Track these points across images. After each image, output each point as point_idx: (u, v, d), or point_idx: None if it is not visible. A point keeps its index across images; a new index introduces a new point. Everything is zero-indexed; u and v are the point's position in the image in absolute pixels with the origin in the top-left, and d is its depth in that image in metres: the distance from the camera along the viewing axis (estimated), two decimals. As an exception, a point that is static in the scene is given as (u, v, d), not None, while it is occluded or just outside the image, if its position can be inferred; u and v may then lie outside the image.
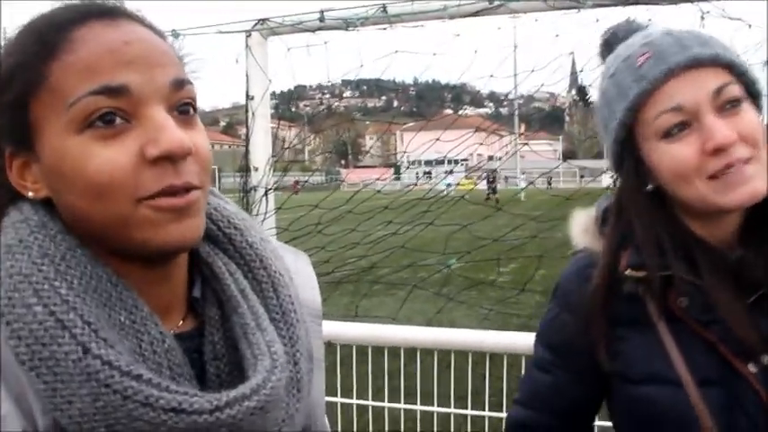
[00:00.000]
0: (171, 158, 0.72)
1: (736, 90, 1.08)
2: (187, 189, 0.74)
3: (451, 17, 2.88)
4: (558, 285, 1.30)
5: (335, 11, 3.01)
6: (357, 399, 2.99)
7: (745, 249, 1.12)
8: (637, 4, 2.71)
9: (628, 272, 1.15)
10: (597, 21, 2.75)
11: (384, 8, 2.89)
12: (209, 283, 0.85)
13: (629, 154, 1.17)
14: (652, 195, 1.16)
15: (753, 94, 1.13)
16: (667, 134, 1.09)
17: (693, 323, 1.11)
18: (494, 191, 26.38)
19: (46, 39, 0.73)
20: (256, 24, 3.04)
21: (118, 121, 0.71)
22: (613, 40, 1.23)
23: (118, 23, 0.75)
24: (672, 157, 1.09)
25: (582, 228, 1.27)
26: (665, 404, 1.11)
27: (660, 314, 1.13)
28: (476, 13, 2.88)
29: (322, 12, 2.91)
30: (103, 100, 0.71)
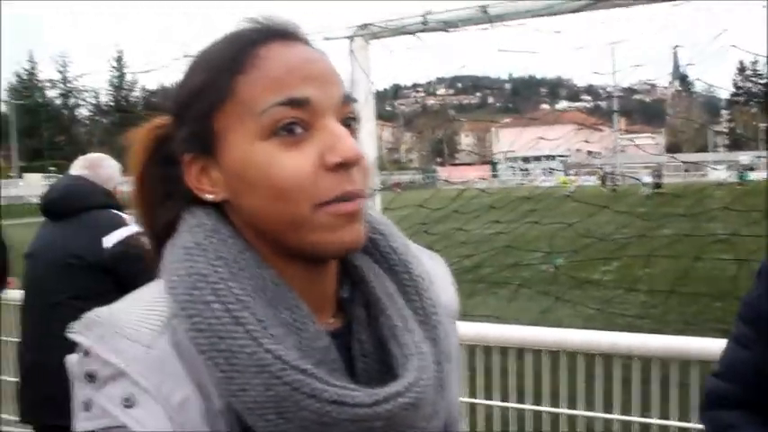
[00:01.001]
0: (346, 165, 0.78)
1: None
2: (358, 195, 0.80)
3: (555, 14, 2.86)
4: (762, 266, 1.38)
5: (438, 13, 3.03)
6: (468, 398, 3.01)
7: None
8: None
9: None
10: (700, 11, 2.66)
11: (485, 9, 2.89)
12: (357, 284, 0.91)
13: None
14: None
15: None
16: None
17: None
18: (657, 185, 25.79)
19: (234, 57, 0.81)
20: (358, 29, 3.10)
21: (299, 130, 0.78)
22: None
23: (294, 44, 0.82)
24: None
25: None
26: None
27: None
28: (579, 9, 2.84)
29: (425, 15, 2.94)
30: (288, 111, 0.78)
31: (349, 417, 0.73)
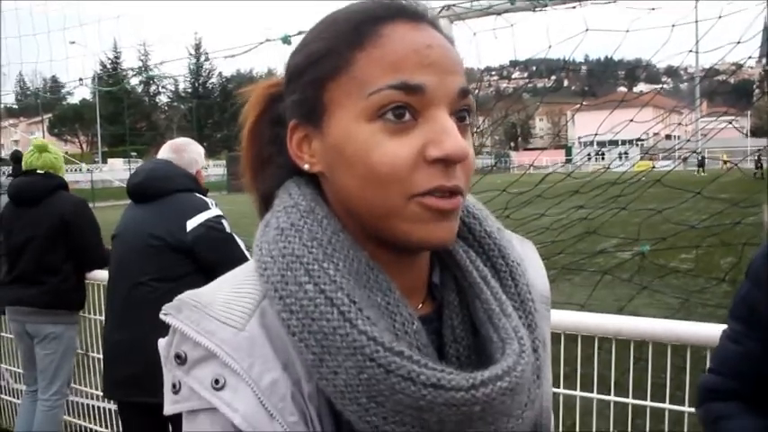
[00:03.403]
0: (447, 162, 0.75)
1: None
2: (453, 192, 0.76)
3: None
4: (750, 264, 1.46)
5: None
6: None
7: None
8: None
9: None
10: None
11: (573, -14, 2.80)
12: (450, 269, 0.88)
13: None
14: None
15: None
16: None
17: None
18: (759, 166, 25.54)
19: (356, 30, 0.78)
20: (442, 10, 3.04)
21: (407, 116, 0.75)
22: None
23: (421, 26, 0.79)
24: None
25: None
26: None
27: None
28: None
29: (513, -7, 2.87)
30: (399, 95, 0.74)
31: (445, 401, 0.70)
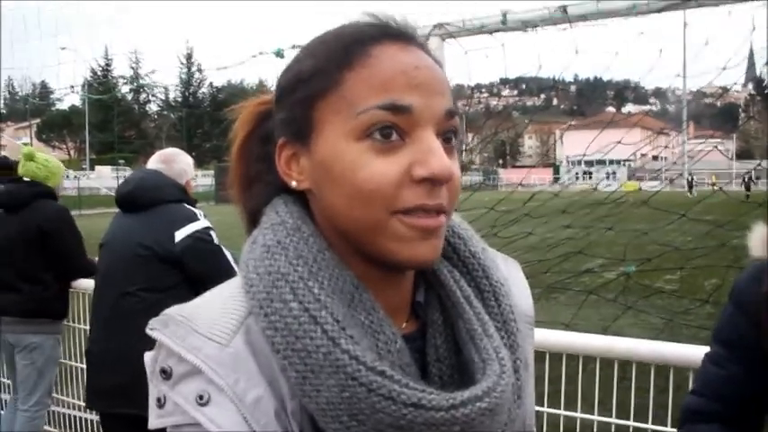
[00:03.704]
0: (433, 181, 0.76)
1: None
2: (438, 212, 0.78)
3: (638, 14, 2.78)
4: (733, 288, 1.48)
5: (517, 14, 2.98)
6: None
7: None
8: None
9: None
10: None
11: (564, 9, 2.84)
12: (434, 288, 0.89)
13: None
14: None
15: None
16: None
17: None
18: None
19: (346, 50, 0.80)
20: (434, 28, 3.07)
21: (394, 136, 0.76)
22: None
23: (410, 48, 0.80)
24: None
25: (760, 239, 1.45)
26: None
27: None
28: (663, 9, 2.76)
29: (504, 14, 2.90)
30: (387, 115, 0.76)
31: (425, 420, 0.71)
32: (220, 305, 0.80)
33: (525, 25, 2.93)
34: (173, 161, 3.34)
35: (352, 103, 0.77)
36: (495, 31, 3.02)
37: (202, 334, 0.76)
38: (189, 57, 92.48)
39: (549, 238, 3.85)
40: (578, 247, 3.85)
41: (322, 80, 0.80)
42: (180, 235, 3.03)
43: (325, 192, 0.80)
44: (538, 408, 2.91)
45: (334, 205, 0.80)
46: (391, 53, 0.79)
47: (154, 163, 3.34)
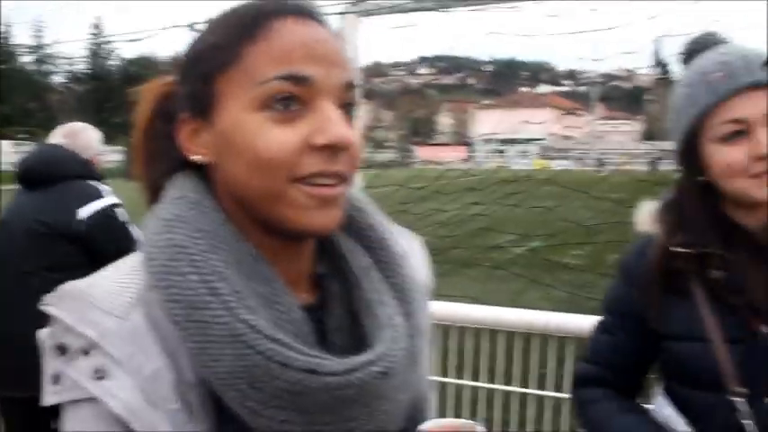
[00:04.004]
0: (332, 148, 0.79)
1: None
2: (337, 180, 0.80)
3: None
4: (621, 262, 1.58)
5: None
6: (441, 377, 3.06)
7: None
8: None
9: (677, 249, 1.40)
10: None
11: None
12: (334, 260, 0.92)
13: (690, 152, 1.42)
14: (703, 187, 1.42)
15: None
16: (725, 139, 1.35)
17: (725, 292, 1.36)
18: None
19: (247, 25, 0.81)
20: (351, 6, 3.07)
21: (294, 106, 0.79)
22: (694, 52, 1.46)
23: (309, 22, 0.83)
24: (724, 156, 1.35)
25: (647, 215, 1.52)
26: (698, 356, 1.38)
27: (700, 285, 1.39)
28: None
29: (418, -6, 2.92)
30: (287, 85, 0.78)
31: (320, 385, 0.74)
32: (119, 279, 0.81)
33: (440, 5, 2.96)
34: (76, 135, 3.23)
35: (253, 75, 0.79)
36: (412, 10, 3.04)
37: (100, 308, 0.76)
38: (97, 26, 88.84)
39: (461, 215, 3.95)
40: (488, 223, 3.96)
41: (223, 54, 0.81)
42: (84, 212, 2.94)
43: (227, 163, 0.82)
44: (444, 379, 3.01)
45: (235, 175, 0.81)
46: (291, 27, 0.81)
47: (57, 137, 3.22)
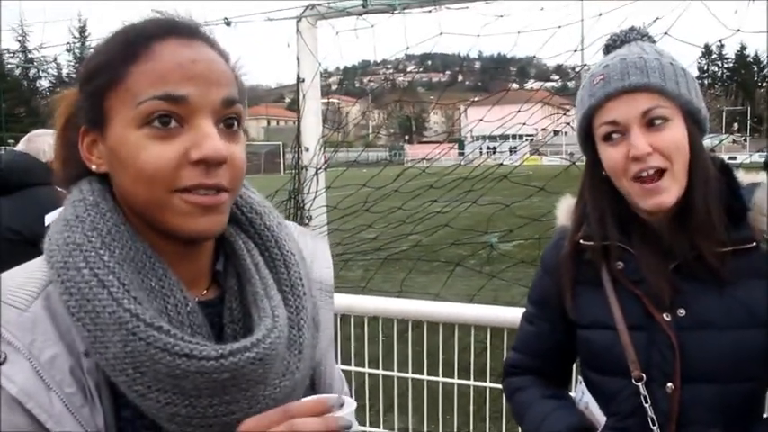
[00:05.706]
0: (208, 163, 0.86)
1: (664, 111, 1.35)
2: (217, 190, 0.88)
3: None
4: (542, 254, 1.64)
5: (378, -4, 3.05)
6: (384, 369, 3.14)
7: (673, 226, 1.40)
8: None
9: (581, 242, 1.48)
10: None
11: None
12: (231, 258, 1.00)
13: (588, 148, 1.48)
14: (605, 180, 1.45)
15: (690, 114, 1.39)
16: (607, 138, 1.40)
17: (627, 282, 1.43)
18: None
19: (131, 46, 0.88)
20: (305, 10, 3.12)
21: (172, 123, 0.86)
22: (611, 48, 1.50)
23: (192, 43, 0.89)
24: (608, 156, 1.40)
25: (565, 209, 1.59)
26: (606, 344, 1.44)
27: (607, 275, 1.45)
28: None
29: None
30: (164, 105, 0.85)
31: (197, 369, 0.81)
32: (26, 274, 0.89)
33: (391, 8, 3.01)
34: (32, 141, 3.26)
35: (135, 94, 0.85)
36: (359, 14, 3.09)
37: (4, 301, 0.84)
38: (82, 30, 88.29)
39: (423, 214, 4.01)
40: (450, 221, 4.02)
41: (110, 73, 0.87)
42: (50, 218, 2.97)
43: (117, 174, 0.89)
44: (375, 371, 3.08)
45: (123, 185, 0.89)
46: (172, 48, 0.87)
47: (21, 144, 3.26)
